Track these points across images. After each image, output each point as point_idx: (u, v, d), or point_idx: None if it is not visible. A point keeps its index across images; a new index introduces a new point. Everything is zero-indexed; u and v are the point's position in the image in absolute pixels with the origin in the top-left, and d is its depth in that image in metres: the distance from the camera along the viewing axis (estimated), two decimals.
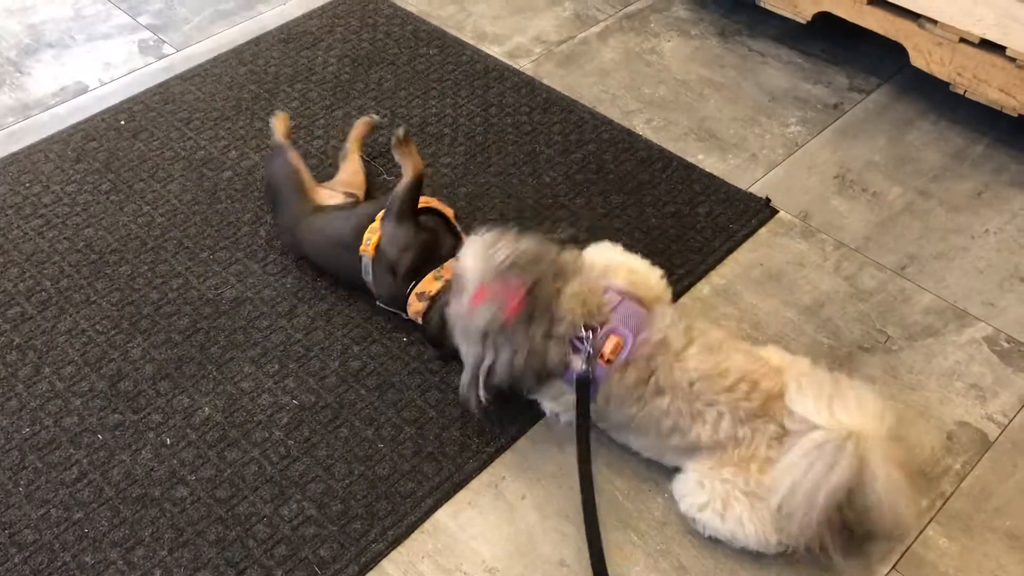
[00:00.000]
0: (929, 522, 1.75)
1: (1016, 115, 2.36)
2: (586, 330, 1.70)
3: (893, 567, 1.69)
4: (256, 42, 2.90)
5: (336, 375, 2.00)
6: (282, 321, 2.11)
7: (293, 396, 1.97)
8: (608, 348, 1.70)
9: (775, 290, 2.15)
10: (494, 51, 2.85)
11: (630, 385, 1.70)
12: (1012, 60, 2.29)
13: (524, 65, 2.80)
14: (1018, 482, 1.80)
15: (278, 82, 2.75)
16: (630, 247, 2.22)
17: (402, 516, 1.77)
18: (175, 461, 1.87)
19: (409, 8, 3.02)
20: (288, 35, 2.92)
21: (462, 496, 1.81)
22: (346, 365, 2.02)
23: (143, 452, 1.88)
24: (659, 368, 1.69)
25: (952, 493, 1.79)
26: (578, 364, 1.70)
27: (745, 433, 1.64)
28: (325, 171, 2.45)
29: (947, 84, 2.46)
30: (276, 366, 2.02)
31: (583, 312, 1.71)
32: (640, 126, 2.59)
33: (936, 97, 2.58)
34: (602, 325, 1.71)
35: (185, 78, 2.78)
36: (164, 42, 2.93)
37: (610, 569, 1.66)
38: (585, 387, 1.71)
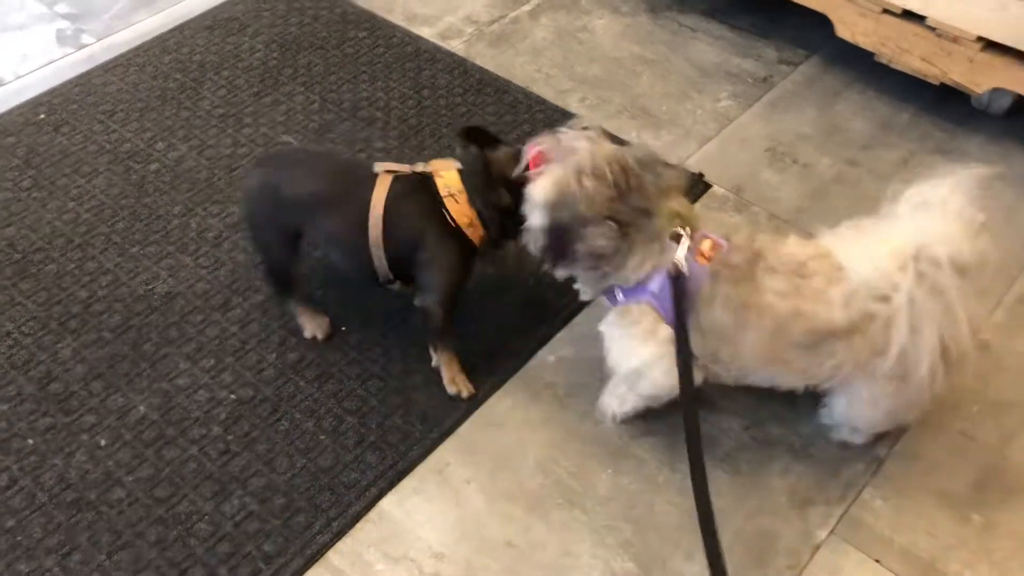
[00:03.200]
0: (865, 485, 1.79)
1: (938, 83, 2.41)
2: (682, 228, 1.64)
3: (831, 531, 1.73)
4: (180, 29, 2.82)
5: (274, 367, 1.97)
6: (216, 315, 2.07)
7: (231, 391, 1.93)
8: (706, 247, 1.63)
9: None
10: (425, 32, 2.82)
11: (738, 263, 1.60)
12: (932, 29, 2.33)
13: (456, 46, 2.77)
14: (946, 442, 1.85)
15: (204, 70, 2.68)
16: None
17: (346, 506, 1.76)
18: (111, 462, 1.83)
19: None
20: (213, 21, 2.85)
21: (407, 483, 1.80)
22: (284, 357, 1.99)
23: (77, 455, 1.84)
24: (764, 250, 1.60)
25: (887, 456, 1.83)
26: (678, 257, 1.61)
27: (877, 309, 1.53)
28: (254, 159, 2.41)
29: (872, 54, 2.50)
30: (212, 361, 1.99)
31: (679, 215, 1.65)
32: (574, 105, 2.59)
33: (862, 68, 2.62)
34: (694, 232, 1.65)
35: (107, 68, 2.70)
36: (83, 31, 2.84)
37: (558, 547, 1.67)
38: (682, 284, 1.61)
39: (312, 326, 2.00)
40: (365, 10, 2.88)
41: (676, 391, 1.70)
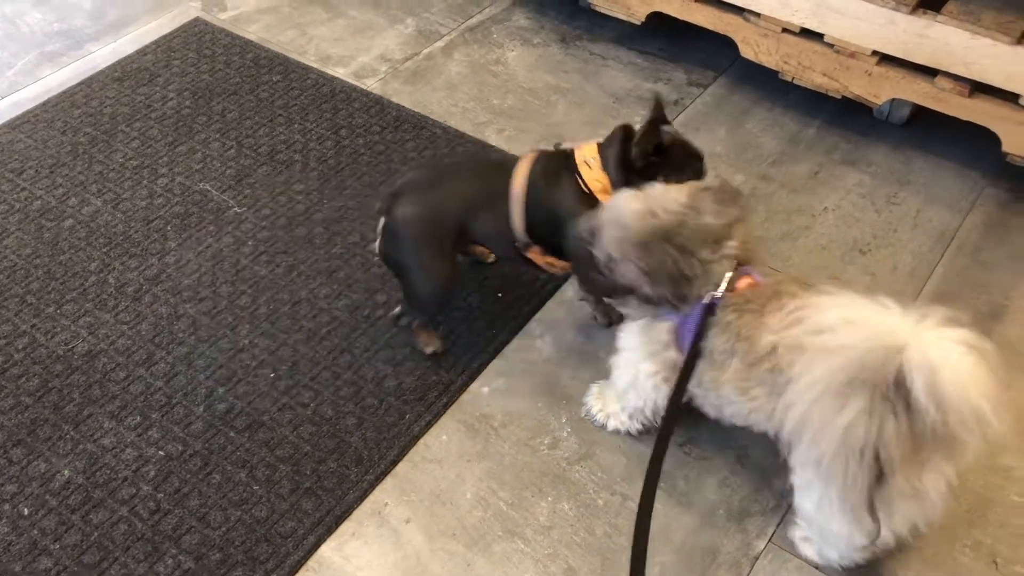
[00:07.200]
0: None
1: (840, 97, 2.50)
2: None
3: (769, 540, 1.76)
4: (88, 83, 2.78)
5: (202, 420, 1.93)
6: (140, 370, 2.02)
7: (159, 447, 1.89)
8: (742, 284, 1.64)
9: None
10: (339, 73, 2.82)
11: (752, 299, 1.61)
12: (830, 46, 2.42)
13: (371, 85, 2.78)
14: None
15: (116, 122, 2.64)
16: (496, 260, 2.24)
17: (284, 557, 1.72)
18: (35, 531, 1.76)
19: (248, 36, 2.95)
20: (123, 73, 2.81)
21: (345, 528, 1.78)
22: (212, 408, 1.95)
23: None
24: (784, 293, 1.60)
25: None
26: (715, 293, 1.63)
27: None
28: (172, 210, 2.37)
29: (776, 73, 2.59)
30: (138, 418, 1.94)
31: (740, 249, 1.66)
32: (493, 136, 2.61)
33: (768, 86, 2.71)
34: (742, 266, 1.66)
35: (13, 126, 2.63)
36: None
37: None
38: (710, 311, 1.63)
39: (432, 342, 2.04)
40: (278, 53, 2.88)
41: (654, 409, 1.81)
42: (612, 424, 1.92)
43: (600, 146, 1.91)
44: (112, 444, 1.90)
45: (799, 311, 1.54)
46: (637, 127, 1.90)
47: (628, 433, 1.91)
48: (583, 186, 1.89)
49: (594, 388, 1.96)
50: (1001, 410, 1.36)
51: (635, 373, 1.79)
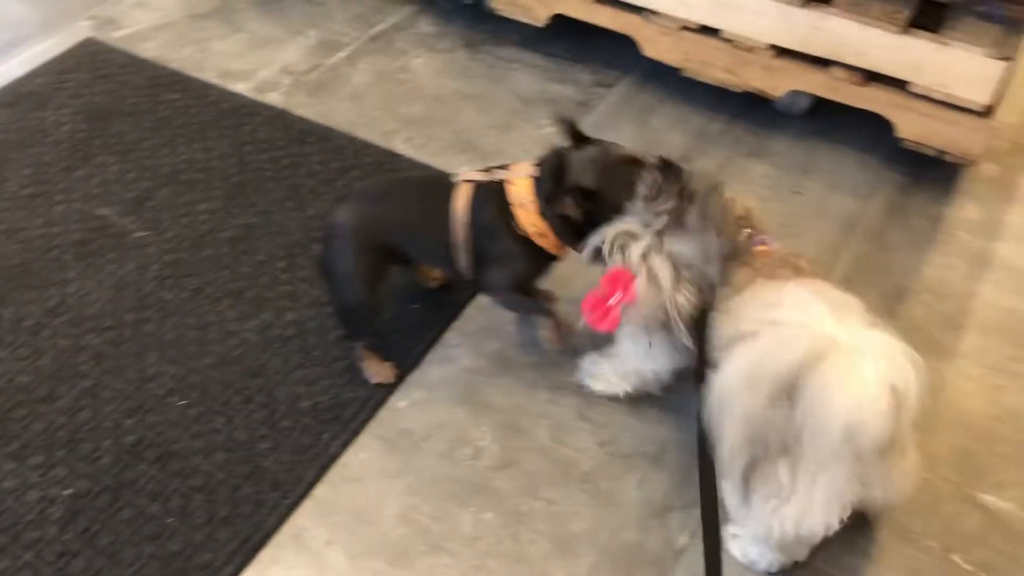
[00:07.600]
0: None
1: (741, 91, 2.54)
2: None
3: (692, 534, 1.77)
4: None
5: (110, 454, 1.86)
6: (42, 407, 1.94)
7: (64, 486, 1.82)
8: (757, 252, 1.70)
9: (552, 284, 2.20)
10: (240, 88, 2.76)
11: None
12: (728, 42, 2.46)
13: (274, 98, 2.73)
14: None
15: (7, 150, 2.54)
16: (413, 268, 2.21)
17: None
18: None
19: (144, 54, 2.87)
20: (13, 98, 2.71)
21: (264, 555, 1.73)
22: (120, 441, 1.88)
23: None
24: (783, 268, 1.65)
25: None
26: None
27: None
28: (71, 238, 2.29)
29: (678, 70, 2.62)
30: (41, 457, 1.86)
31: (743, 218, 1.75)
32: (401, 145, 2.59)
33: (672, 83, 2.73)
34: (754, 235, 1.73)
35: None
36: None
37: None
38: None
39: (380, 372, 1.99)
40: (176, 71, 2.80)
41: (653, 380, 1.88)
42: (600, 388, 1.96)
43: (536, 181, 1.80)
44: (14, 486, 1.82)
45: (767, 292, 1.59)
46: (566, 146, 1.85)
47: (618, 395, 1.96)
48: (517, 227, 1.82)
49: (589, 365, 1.98)
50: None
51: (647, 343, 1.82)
